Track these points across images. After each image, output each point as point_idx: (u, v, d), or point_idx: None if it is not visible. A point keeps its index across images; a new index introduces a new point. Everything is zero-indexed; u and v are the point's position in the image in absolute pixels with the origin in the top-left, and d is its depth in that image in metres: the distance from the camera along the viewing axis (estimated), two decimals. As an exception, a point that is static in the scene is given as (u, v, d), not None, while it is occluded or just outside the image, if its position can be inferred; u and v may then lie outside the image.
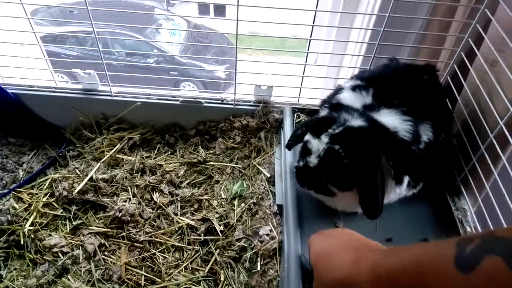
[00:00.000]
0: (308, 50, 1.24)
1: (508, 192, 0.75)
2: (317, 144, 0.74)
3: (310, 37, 1.16)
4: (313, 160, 0.74)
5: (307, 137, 0.78)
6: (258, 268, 0.87)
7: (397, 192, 0.81)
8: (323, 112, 0.87)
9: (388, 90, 0.82)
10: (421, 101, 0.82)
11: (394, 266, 0.47)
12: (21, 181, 1.04)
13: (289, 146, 0.89)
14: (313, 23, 1.15)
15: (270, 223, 0.92)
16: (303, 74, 1.11)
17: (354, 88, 0.84)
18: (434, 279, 0.40)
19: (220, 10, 6.64)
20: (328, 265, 0.59)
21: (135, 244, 0.94)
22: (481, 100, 0.89)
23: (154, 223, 0.98)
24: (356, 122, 0.74)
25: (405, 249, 0.48)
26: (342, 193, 0.76)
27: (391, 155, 0.73)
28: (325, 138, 0.73)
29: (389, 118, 0.76)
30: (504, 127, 0.77)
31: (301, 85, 1.12)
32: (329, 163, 0.73)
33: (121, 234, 0.94)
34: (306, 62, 1.19)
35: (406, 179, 0.80)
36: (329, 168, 0.73)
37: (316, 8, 1.17)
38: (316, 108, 1.13)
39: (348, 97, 0.84)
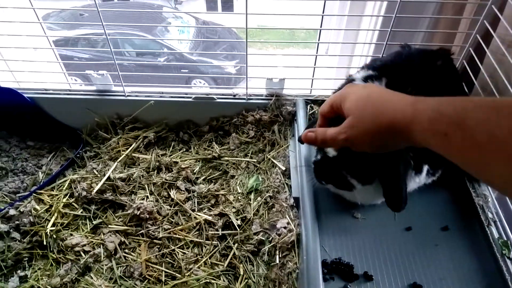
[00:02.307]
0: (318, 40, 1.22)
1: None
2: None
3: (320, 27, 1.15)
4: (332, 150, 0.74)
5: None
6: (277, 261, 0.87)
7: (416, 181, 0.80)
8: None
9: (402, 78, 0.80)
10: (436, 88, 0.80)
11: (437, 112, 0.44)
12: (41, 183, 1.06)
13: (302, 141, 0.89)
14: (323, 12, 1.13)
15: (287, 216, 0.92)
16: (315, 65, 1.10)
17: (366, 79, 0.83)
18: (490, 127, 0.39)
19: (228, 5, 6.62)
20: (376, 107, 0.53)
21: (155, 241, 0.95)
22: (499, 82, 0.87)
23: (172, 220, 0.99)
24: None
25: (451, 99, 0.45)
26: (362, 186, 0.75)
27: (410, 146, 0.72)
28: None
29: None
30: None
31: (313, 76, 1.11)
32: (350, 152, 0.72)
33: (140, 232, 0.96)
34: (317, 53, 1.18)
35: (425, 168, 0.79)
36: (350, 158, 0.73)
37: (325, -3, 1.16)
38: (329, 98, 1.12)
39: None
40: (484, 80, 0.92)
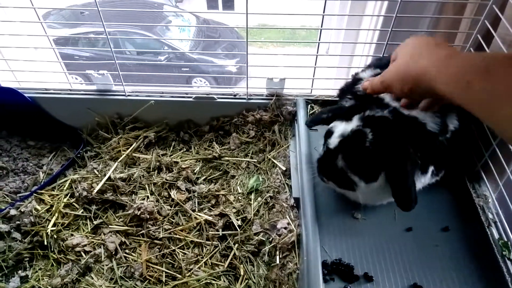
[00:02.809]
0: (319, 40, 1.22)
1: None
2: (345, 126, 0.74)
3: (321, 27, 1.15)
4: (334, 141, 0.74)
5: (333, 123, 0.78)
6: (277, 262, 0.87)
7: (421, 181, 0.80)
8: (348, 104, 0.85)
9: None
10: None
11: (457, 64, 0.51)
12: (42, 183, 1.06)
13: (311, 124, 0.91)
14: (323, 12, 1.13)
15: (287, 216, 0.92)
16: (315, 64, 1.10)
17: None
18: (498, 76, 0.45)
19: (229, 4, 6.61)
20: (411, 55, 0.60)
21: (155, 241, 0.95)
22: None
23: (173, 220, 0.99)
24: (386, 113, 0.74)
25: (472, 53, 0.55)
26: (364, 185, 0.75)
27: (418, 146, 0.71)
28: (356, 121, 0.73)
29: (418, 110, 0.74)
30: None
31: (313, 76, 1.11)
32: (352, 143, 0.72)
33: (141, 232, 0.96)
34: (317, 53, 1.18)
35: (431, 169, 0.79)
36: (351, 151, 0.73)
37: (326, -3, 1.15)
38: (330, 99, 1.12)
39: None
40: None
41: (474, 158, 0.93)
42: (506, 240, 0.81)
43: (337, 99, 0.97)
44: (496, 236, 0.82)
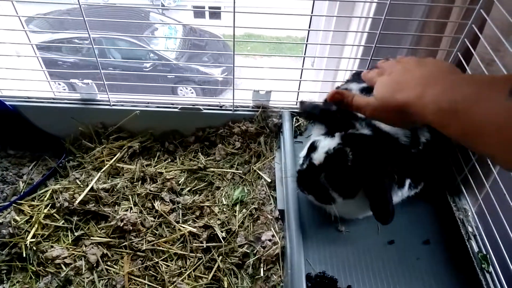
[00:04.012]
0: (304, 54, 1.24)
1: (508, 191, 0.76)
2: (328, 143, 0.75)
3: (306, 41, 1.16)
4: (319, 157, 0.75)
5: (316, 137, 0.79)
6: (262, 274, 0.87)
7: (399, 194, 0.81)
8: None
9: None
10: None
11: (443, 96, 0.49)
12: (22, 193, 1.04)
13: (303, 111, 0.93)
14: (309, 27, 1.15)
15: (272, 228, 0.92)
16: (300, 78, 1.11)
17: (362, 91, 0.84)
18: (481, 110, 0.43)
19: (215, 13, 6.65)
20: (399, 85, 0.58)
21: (138, 253, 0.94)
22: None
23: (156, 232, 0.98)
24: (364, 130, 0.75)
25: (466, 81, 0.49)
26: (342, 200, 0.77)
27: (394, 161, 0.73)
28: (338, 139, 0.75)
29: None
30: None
31: (298, 89, 1.13)
32: (335, 162, 0.73)
33: (123, 244, 0.94)
34: (303, 66, 1.19)
35: (407, 182, 0.81)
36: (334, 170, 0.74)
37: (312, 12, 1.17)
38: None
39: None
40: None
41: (454, 172, 0.96)
42: (485, 253, 0.82)
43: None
44: (476, 249, 0.84)
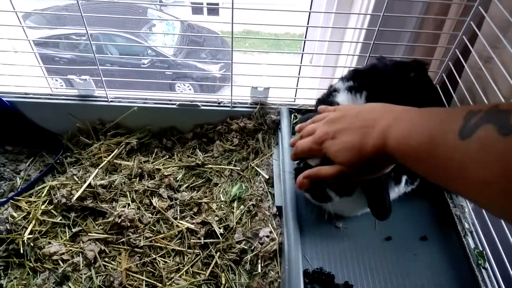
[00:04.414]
0: (303, 51, 1.24)
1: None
2: None
3: (305, 38, 1.16)
4: (315, 160, 0.75)
5: None
6: (259, 270, 0.87)
7: (395, 191, 0.82)
8: None
9: (379, 91, 0.82)
10: (410, 100, 0.82)
11: (403, 139, 0.50)
12: (19, 189, 1.03)
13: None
14: (308, 23, 1.15)
15: (269, 225, 0.93)
16: (299, 75, 1.11)
17: (349, 89, 0.84)
18: (440, 150, 0.43)
19: (214, 9, 6.63)
20: (355, 142, 0.58)
21: (135, 249, 0.94)
22: (476, 96, 0.90)
23: (154, 228, 0.98)
24: None
25: (416, 120, 0.49)
26: (339, 199, 0.77)
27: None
28: None
29: None
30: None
31: (297, 86, 1.13)
32: (331, 163, 0.73)
33: (121, 240, 0.94)
34: (301, 63, 1.19)
35: (404, 178, 0.81)
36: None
37: (310, 9, 1.17)
38: (313, 108, 1.13)
39: (345, 100, 0.84)
40: (462, 93, 0.94)
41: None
42: (481, 249, 0.83)
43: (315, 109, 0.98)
44: (472, 245, 0.84)
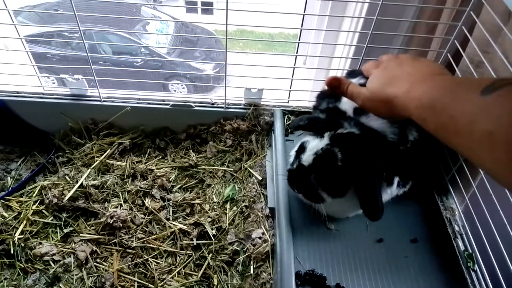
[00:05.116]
0: (296, 53, 1.24)
1: (494, 191, 0.77)
2: (317, 143, 0.75)
3: (299, 40, 1.17)
4: (308, 158, 0.75)
5: (306, 138, 0.79)
6: (251, 272, 0.87)
7: (388, 192, 0.82)
8: (321, 116, 0.87)
9: None
10: None
11: (425, 93, 0.52)
12: (10, 189, 1.02)
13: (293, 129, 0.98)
14: (301, 26, 1.15)
15: (262, 226, 0.93)
16: (292, 76, 1.11)
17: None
18: (458, 103, 0.45)
19: (208, 8, 6.61)
20: (390, 80, 0.61)
21: (127, 250, 0.94)
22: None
23: (146, 229, 0.97)
24: (352, 128, 0.76)
25: (448, 81, 0.52)
26: (332, 200, 0.77)
27: (383, 158, 0.74)
28: (327, 139, 0.75)
29: (378, 122, 0.78)
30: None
31: (290, 88, 1.13)
32: (324, 163, 0.74)
33: (113, 241, 0.94)
34: (295, 65, 1.20)
35: (396, 180, 0.82)
36: (323, 171, 0.74)
37: (304, 11, 1.18)
38: (306, 110, 1.14)
39: (344, 102, 0.84)
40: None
41: (442, 171, 0.97)
42: (470, 251, 0.84)
43: (316, 103, 0.98)
44: (462, 247, 0.86)
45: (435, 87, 0.52)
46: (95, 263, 0.91)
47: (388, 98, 0.59)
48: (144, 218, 0.99)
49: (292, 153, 0.86)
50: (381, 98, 0.61)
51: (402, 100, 0.57)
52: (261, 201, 0.99)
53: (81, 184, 1.00)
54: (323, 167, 0.75)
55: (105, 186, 1.03)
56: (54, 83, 3.53)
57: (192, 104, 1.13)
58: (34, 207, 0.99)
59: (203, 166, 1.10)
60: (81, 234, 0.95)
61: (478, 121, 0.41)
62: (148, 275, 0.91)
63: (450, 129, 0.46)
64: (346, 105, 0.82)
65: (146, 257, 0.92)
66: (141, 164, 1.10)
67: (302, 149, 0.78)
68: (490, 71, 0.81)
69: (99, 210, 0.98)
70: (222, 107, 1.14)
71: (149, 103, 1.13)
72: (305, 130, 0.84)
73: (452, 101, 0.47)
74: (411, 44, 1.07)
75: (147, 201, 1.01)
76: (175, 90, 4.55)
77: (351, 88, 0.68)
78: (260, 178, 1.04)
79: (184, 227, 0.96)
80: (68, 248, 0.93)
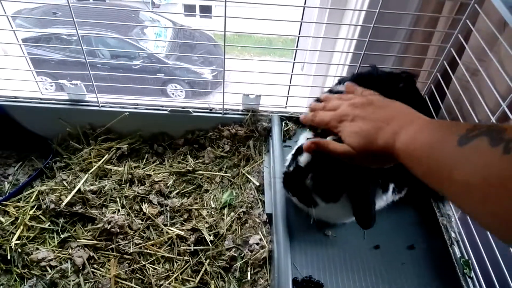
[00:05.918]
0: (294, 59, 1.25)
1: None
2: None
3: (296, 47, 1.17)
4: (305, 158, 0.76)
5: (304, 141, 0.80)
6: (249, 278, 0.87)
7: (383, 199, 0.83)
8: None
9: None
10: None
11: (410, 142, 0.53)
12: (7, 194, 1.02)
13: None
14: (299, 32, 1.16)
15: (260, 232, 0.93)
16: (290, 83, 1.12)
17: None
18: (438, 153, 0.47)
19: (206, 12, 6.63)
20: (371, 131, 0.59)
21: (125, 256, 0.93)
22: (463, 108, 0.92)
23: (144, 234, 0.97)
24: None
25: (425, 127, 0.53)
26: (325, 205, 0.78)
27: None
28: None
29: None
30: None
31: (288, 94, 1.14)
32: (322, 162, 0.74)
33: (110, 246, 0.94)
34: (292, 72, 1.20)
35: (391, 186, 0.82)
36: (318, 174, 0.75)
37: (302, 18, 1.18)
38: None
39: None
40: (449, 104, 0.96)
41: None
42: (467, 258, 0.85)
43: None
44: (458, 254, 0.86)
45: (420, 132, 0.52)
46: (92, 269, 0.91)
47: (379, 151, 0.58)
48: (141, 223, 0.99)
49: (289, 156, 0.87)
50: (371, 152, 0.59)
51: (393, 149, 0.56)
52: (259, 207, 0.99)
53: (79, 189, 1.00)
54: (320, 166, 0.75)
55: (102, 191, 1.03)
56: (52, 86, 3.52)
57: (190, 110, 1.13)
58: (31, 212, 0.98)
59: (200, 172, 1.10)
60: (78, 240, 0.95)
61: (457, 171, 0.43)
62: (145, 281, 0.90)
63: (434, 177, 0.48)
64: None
65: (144, 263, 0.92)
66: (139, 169, 1.10)
67: (300, 151, 0.79)
68: (486, 79, 0.82)
69: (97, 216, 0.97)
70: (220, 113, 1.14)
71: (147, 109, 1.13)
72: (310, 129, 0.84)
73: (433, 150, 0.48)
74: (407, 52, 1.08)
75: (145, 207, 1.01)
76: (173, 93, 4.56)
77: (334, 147, 0.64)
78: (257, 184, 1.04)
79: (182, 233, 0.96)
80: (65, 254, 0.93)
